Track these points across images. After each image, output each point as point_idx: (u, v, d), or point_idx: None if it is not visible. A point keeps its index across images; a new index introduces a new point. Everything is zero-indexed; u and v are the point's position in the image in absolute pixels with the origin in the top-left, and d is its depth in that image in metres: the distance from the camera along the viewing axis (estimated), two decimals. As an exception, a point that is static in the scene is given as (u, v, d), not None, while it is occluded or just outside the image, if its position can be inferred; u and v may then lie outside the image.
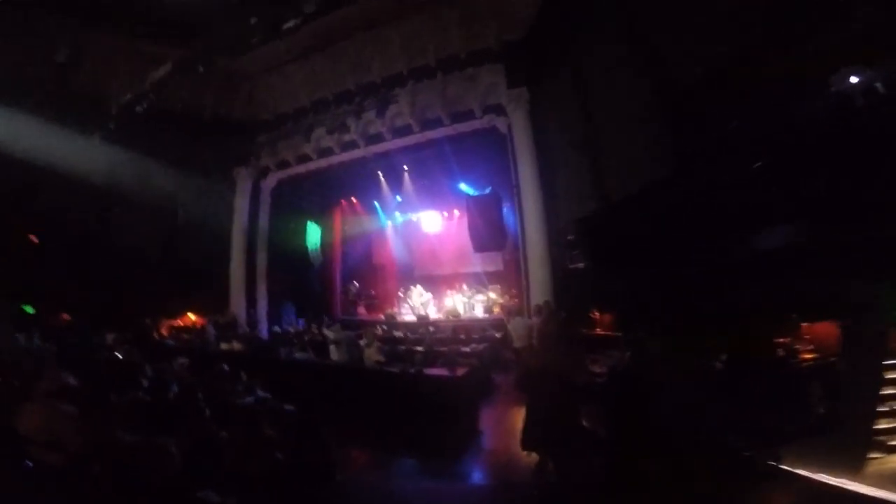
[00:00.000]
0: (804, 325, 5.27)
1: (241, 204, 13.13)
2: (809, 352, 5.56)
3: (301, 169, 13.16)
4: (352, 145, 12.21)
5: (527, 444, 3.68)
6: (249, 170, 13.26)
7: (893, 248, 3.74)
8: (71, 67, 9.75)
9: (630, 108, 7.02)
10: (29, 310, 10.65)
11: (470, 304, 13.64)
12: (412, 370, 6.14)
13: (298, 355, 7.56)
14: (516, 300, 12.72)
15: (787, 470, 3.54)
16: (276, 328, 11.77)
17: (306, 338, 9.54)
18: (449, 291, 14.58)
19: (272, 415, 4.12)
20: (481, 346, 8.48)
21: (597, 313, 7.21)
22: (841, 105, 3.09)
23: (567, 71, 8.75)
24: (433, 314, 13.30)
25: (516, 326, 7.87)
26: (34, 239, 11.12)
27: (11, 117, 9.33)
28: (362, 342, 7.51)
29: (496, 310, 12.79)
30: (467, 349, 8.35)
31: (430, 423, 5.59)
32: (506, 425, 6.28)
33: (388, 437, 5.60)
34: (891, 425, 4.92)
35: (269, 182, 13.57)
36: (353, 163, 12.85)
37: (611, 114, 7.64)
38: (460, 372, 6.12)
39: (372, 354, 7.05)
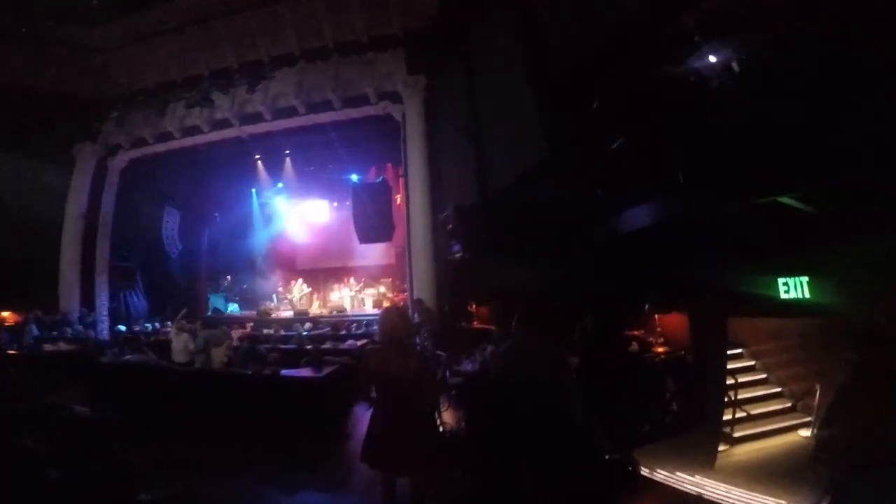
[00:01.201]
0: (657, 316, 5.43)
1: (81, 184, 10.92)
2: (662, 345, 5.73)
3: (160, 148, 11.26)
4: (224, 124, 10.74)
5: (371, 458, 2.97)
6: (95, 147, 11.08)
7: (743, 230, 3.76)
8: None
9: (510, 96, 6.96)
10: None
11: (358, 298, 12.88)
12: (266, 371, 5.29)
13: (130, 357, 6.21)
14: (404, 294, 12.30)
15: (646, 474, 3.43)
16: (121, 327, 9.88)
17: (151, 338, 8.05)
18: (336, 285, 13.70)
19: (42, 424, 3.12)
20: (360, 343, 7.79)
21: (473, 306, 6.99)
22: (698, 84, 3.05)
23: (460, 60, 8.57)
24: (316, 310, 12.30)
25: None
26: None
27: None
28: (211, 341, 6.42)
29: (386, 304, 12.21)
30: (344, 346, 7.61)
31: (285, 430, 4.84)
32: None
33: (229, 448, 4.71)
34: (734, 416, 5.10)
35: (119, 162, 11.41)
36: (224, 143, 11.32)
37: (493, 103, 7.56)
38: (325, 371, 5.42)
39: (219, 355, 6.02)
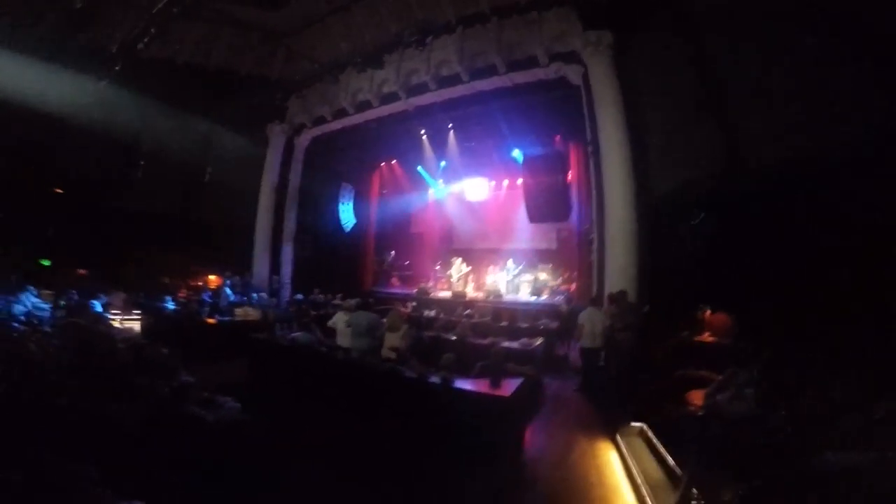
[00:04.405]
0: None
1: (273, 162, 11.27)
2: None
3: (337, 125, 10.98)
4: (391, 98, 9.89)
5: None
6: (284, 126, 11.38)
7: None
8: (85, 13, 8.06)
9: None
10: (45, 263, 9.51)
11: (514, 283, 11.13)
12: (435, 378, 3.85)
13: (297, 335, 5.45)
14: (571, 284, 10.22)
15: None
16: (299, 296, 9.81)
17: (321, 311, 7.46)
18: (491, 268, 12.03)
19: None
20: (536, 343, 5.99)
21: (708, 312, 4.62)
22: None
23: (671, 14, 6.39)
24: (471, 292, 10.94)
25: (589, 319, 5.36)
26: (58, 191, 9.91)
27: (29, 67, 7.96)
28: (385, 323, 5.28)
29: (545, 293, 10.32)
30: (515, 344, 5.89)
31: (455, 468, 3.34)
32: (567, 466, 3.89)
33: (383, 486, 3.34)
34: None
35: (303, 140, 11.58)
36: (393, 119, 10.53)
37: (751, 68, 5.30)
38: (509, 387, 3.77)
39: (391, 341, 4.81)
